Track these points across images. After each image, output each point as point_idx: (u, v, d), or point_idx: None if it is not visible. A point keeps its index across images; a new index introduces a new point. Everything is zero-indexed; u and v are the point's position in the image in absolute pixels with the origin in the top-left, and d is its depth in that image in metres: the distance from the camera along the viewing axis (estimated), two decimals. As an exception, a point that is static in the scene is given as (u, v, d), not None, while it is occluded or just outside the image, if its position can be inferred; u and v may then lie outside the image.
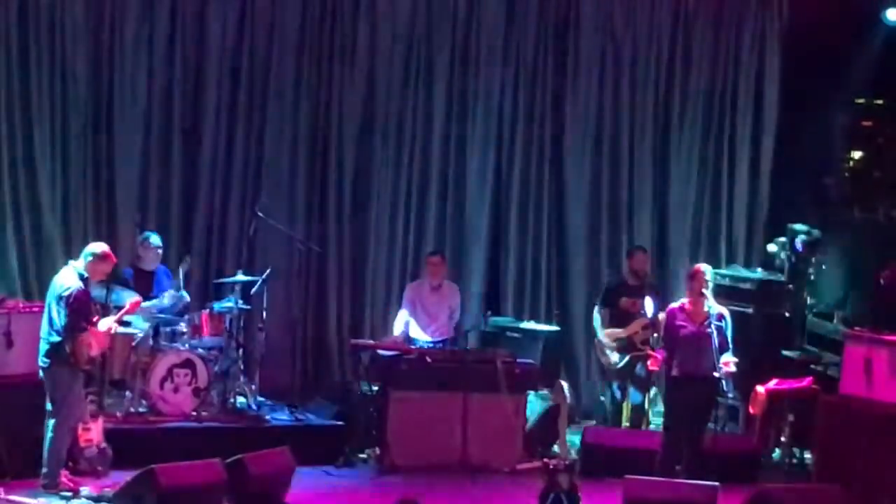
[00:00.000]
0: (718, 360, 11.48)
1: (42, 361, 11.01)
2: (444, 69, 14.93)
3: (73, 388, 11.07)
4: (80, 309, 10.90)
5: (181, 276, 13.06)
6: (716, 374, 11.54)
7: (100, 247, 11.28)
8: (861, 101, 15.09)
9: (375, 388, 12.85)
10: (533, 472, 12.41)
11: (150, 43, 14.08)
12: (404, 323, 13.65)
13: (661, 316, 12.34)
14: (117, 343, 12.26)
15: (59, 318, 10.87)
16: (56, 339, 10.90)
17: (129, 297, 12.16)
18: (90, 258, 11.12)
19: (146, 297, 12.81)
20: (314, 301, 14.73)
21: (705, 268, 11.90)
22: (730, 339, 11.74)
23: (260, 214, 13.82)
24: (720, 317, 11.70)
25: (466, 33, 14.96)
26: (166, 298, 12.98)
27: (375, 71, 14.75)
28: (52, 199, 13.80)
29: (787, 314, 14.33)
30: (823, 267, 14.21)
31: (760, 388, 12.77)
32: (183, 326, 12.86)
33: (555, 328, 14.46)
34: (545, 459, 12.01)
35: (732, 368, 11.57)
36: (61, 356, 10.89)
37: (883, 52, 14.40)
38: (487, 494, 12.09)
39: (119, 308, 11.88)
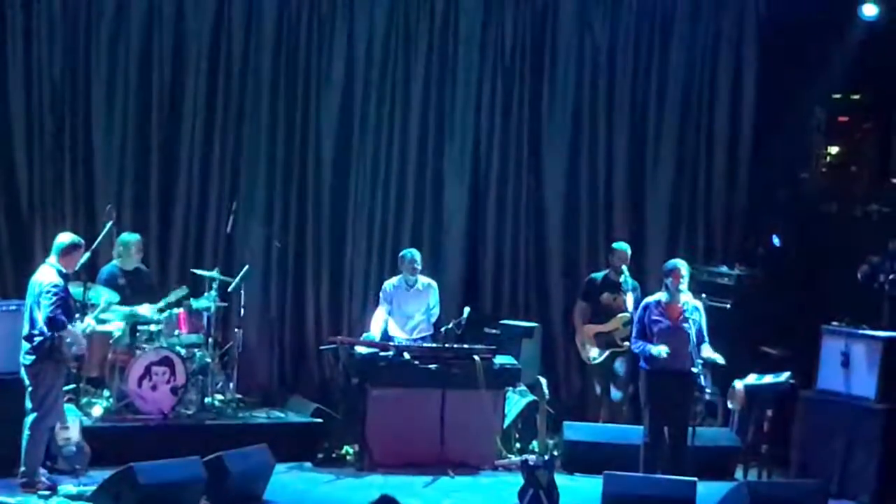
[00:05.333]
0: (697, 355, 11.51)
1: (24, 359, 10.98)
2: (421, 63, 14.90)
3: (55, 387, 11.05)
4: (62, 305, 10.89)
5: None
6: (693, 370, 11.57)
7: (67, 237, 11.30)
8: (838, 96, 15.11)
9: (354, 382, 12.83)
10: (512, 468, 12.43)
11: (126, 41, 14.03)
12: (382, 321, 13.61)
13: None
14: (94, 341, 12.24)
15: (42, 315, 10.84)
16: (39, 337, 10.87)
17: (106, 296, 12.16)
18: (62, 250, 11.12)
19: (134, 296, 12.85)
20: (292, 298, 14.70)
21: (682, 264, 11.92)
22: (705, 331, 11.77)
23: (237, 212, 13.84)
24: (694, 310, 11.76)
25: (444, 26, 14.94)
26: (144, 309, 12.92)
27: (353, 66, 14.72)
28: (28, 197, 13.74)
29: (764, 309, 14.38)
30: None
31: (738, 384, 12.79)
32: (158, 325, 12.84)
33: (534, 324, 14.47)
34: (524, 456, 12.05)
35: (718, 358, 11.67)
36: (45, 354, 10.87)
37: (860, 48, 14.42)
38: (466, 491, 12.09)
39: (96, 307, 11.87)
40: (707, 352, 11.72)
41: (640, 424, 12.14)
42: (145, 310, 12.84)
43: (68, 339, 10.93)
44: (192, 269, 13.73)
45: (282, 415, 13.39)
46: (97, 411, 12.36)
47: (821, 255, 14.32)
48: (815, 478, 12.06)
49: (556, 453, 12.68)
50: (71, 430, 11.52)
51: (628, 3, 15.28)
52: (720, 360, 11.86)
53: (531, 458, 11.42)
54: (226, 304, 13.54)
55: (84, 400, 12.43)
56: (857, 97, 15.13)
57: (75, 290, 11.63)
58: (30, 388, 11.01)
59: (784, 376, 12.78)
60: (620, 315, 13.44)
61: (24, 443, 11.00)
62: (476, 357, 12.81)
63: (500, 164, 15.17)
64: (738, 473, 12.84)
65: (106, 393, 12.56)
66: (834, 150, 15.51)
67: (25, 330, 10.99)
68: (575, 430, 13.09)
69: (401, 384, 12.71)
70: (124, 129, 14.11)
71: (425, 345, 13.30)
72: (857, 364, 12.41)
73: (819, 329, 12.84)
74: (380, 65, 14.80)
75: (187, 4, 14.20)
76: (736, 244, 15.34)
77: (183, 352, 12.72)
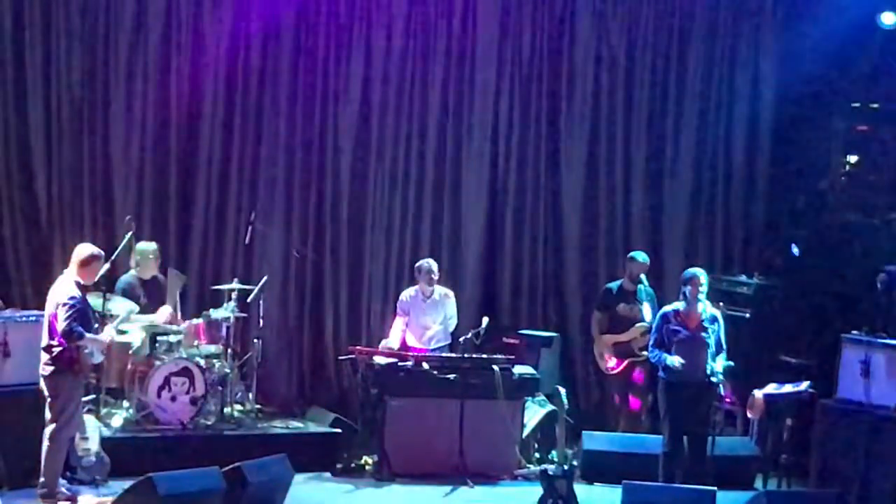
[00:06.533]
0: (714, 364, 11.53)
1: (43, 370, 11.00)
2: (439, 77, 14.92)
3: (74, 397, 11.08)
4: (80, 317, 10.92)
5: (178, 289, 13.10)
6: (713, 379, 11.55)
7: (86, 248, 11.30)
8: (857, 105, 15.08)
9: (373, 392, 12.83)
10: (531, 478, 12.42)
11: (144, 54, 14.09)
12: (401, 331, 13.61)
13: None
14: (114, 352, 12.29)
15: (60, 326, 10.86)
16: (57, 347, 10.89)
17: (125, 306, 12.19)
18: (81, 262, 11.14)
19: (152, 304, 12.89)
20: (311, 309, 14.72)
21: (701, 272, 11.91)
22: (723, 340, 11.76)
23: (255, 223, 13.87)
24: (713, 319, 11.75)
25: (462, 41, 14.96)
26: (160, 314, 12.94)
27: (371, 77, 14.74)
28: (48, 207, 13.80)
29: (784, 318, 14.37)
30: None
31: (758, 393, 12.76)
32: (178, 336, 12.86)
33: (552, 334, 14.45)
34: (543, 466, 12.03)
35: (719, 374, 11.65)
36: (63, 365, 10.89)
37: (878, 57, 14.39)
38: (486, 501, 12.07)
39: (115, 317, 11.90)
40: (718, 364, 11.67)
41: (659, 434, 12.12)
42: (162, 314, 12.88)
43: (87, 350, 10.96)
44: (212, 287, 13.80)
45: (301, 425, 13.39)
46: (117, 422, 12.39)
47: (840, 264, 14.28)
48: (835, 487, 12.02)
49: (575, 463, 12.64)
50: (90, 440, 11.55)
51: (646, 14, 15.27)
52: (720, 375, 11.77)
53: (550, 467, 11.41)
54: (245, 315, 13.55)
55: (103, 410, 12.46)
56: (875, 106, 15.09)
57: (94, 301, 11.66)
58: (49, 399, 11.02)
59: (803, 385, 12.75)
60: (638, 325, 13.42)
61: (43, 453, 11.01)
62: (495, 367, 12.80)
63: (517, 173, 15.17)
64: (758, 483, 12.81)
65: (125, 403, 12.60)
66: (853, 159, 15.48)
67: (44, 341, 11.01)
68: (594, 440, 13.08)
69: (419, 394, 12.71)
70: (142, 142, 14.16)
71: (444, 355, 13.30)
72: (877, 373, 12.34)
73: (838, 338, 12.79)
74: (397, 75, 14.83)
75: (205, 16, 14.25)
76: (755, 253, 15.30)
77: (202, 362, 12.75)
